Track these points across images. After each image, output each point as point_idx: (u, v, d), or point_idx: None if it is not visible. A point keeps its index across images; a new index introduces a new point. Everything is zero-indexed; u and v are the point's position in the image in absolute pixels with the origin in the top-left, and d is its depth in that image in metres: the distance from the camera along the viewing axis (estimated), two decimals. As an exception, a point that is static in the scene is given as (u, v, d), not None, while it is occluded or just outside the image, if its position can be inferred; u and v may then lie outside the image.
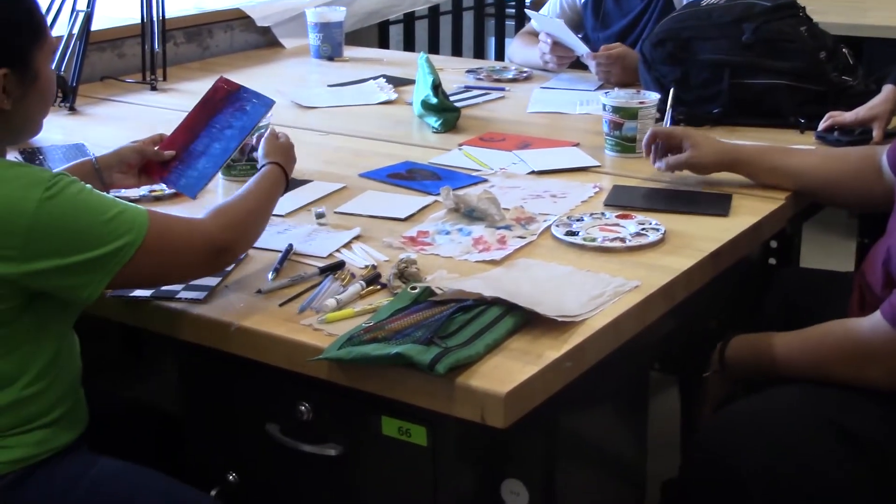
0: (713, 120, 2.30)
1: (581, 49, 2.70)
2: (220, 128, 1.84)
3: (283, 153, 1.74)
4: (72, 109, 2.62)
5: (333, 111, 2.61)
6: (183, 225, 1.49)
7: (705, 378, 1.80)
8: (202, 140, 1.84)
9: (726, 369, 1.77)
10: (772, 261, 2.39)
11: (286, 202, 1.86)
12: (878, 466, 1.56)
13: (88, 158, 1.80)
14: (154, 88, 2.83)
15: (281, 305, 1.52)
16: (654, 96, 2.18)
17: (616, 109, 2.15)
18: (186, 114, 1.89)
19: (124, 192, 1.90)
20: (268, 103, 1.85)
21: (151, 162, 1.85)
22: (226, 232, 1.51)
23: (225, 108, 1.85)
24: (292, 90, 2.77)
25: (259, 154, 1.75)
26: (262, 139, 1.79)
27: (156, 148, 1.84)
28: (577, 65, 2.86)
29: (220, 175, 2.04)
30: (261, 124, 1.97)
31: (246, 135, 1.83)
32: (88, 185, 1.43)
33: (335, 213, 1.87)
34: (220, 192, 2.00)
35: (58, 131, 2.42)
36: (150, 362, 2.11)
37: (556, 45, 2.79)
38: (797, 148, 2.03)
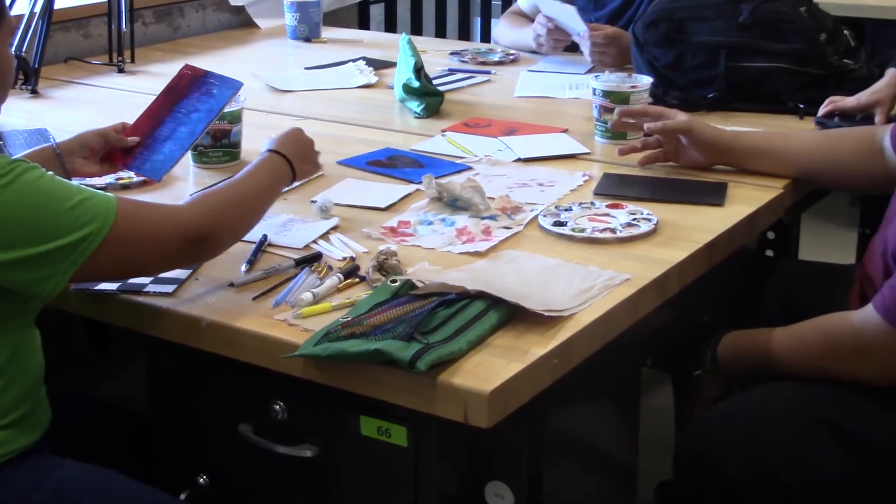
0: (708, 105, 2.30)
1: (581, 28, 2.67)
2: (186, 112, 1.85)
3: (294, 145, 1.69)
4: (34, 92, 2.60)
5: (310, 95, 2.60)
6: (156, 212, 1.47)
7: (698, 375, 1.81)
8: (167, 125, 1.85)
9: (718, 366, 1.78)
10: (769, 253, 2.40)
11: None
12: (871, 464, 1.57)
13: (49, 144, 1.79)
14: (121, 71, 2.81)
15: (254, 299, 1.51)
16: (647, 80, 2.18)
17: (606, 94, 2.15)
18: (150, 102, 1.90)
19: (88, 181, 1.90)
20: (235, 85, 1.87)
21: (114, 149, 1.85)
22: (205, 217, 1.47)
23: (191, 94, 1.87)
24: (267, 73, 2.76)
25: (265, 142, 1.71)
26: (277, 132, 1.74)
27: (119, 135, 1.84)
28: (567, 47, 2.86)
29: (191, 163, 2.05)
30: (229, 110, 1.98)
31: (213, 117, 1.83)
32: (50, 172, 1.42)
33: (311, 202, 1.86)
34: (191, 181, 2.00)
35: (19, 115, 2.41)
36: (118, 359, 2.10)
37: (555, 28, 2.77)
38: (796, 132, 2.04)
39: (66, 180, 1.44)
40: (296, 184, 1.75)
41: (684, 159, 1.97)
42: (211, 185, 1.57)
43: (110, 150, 1.86)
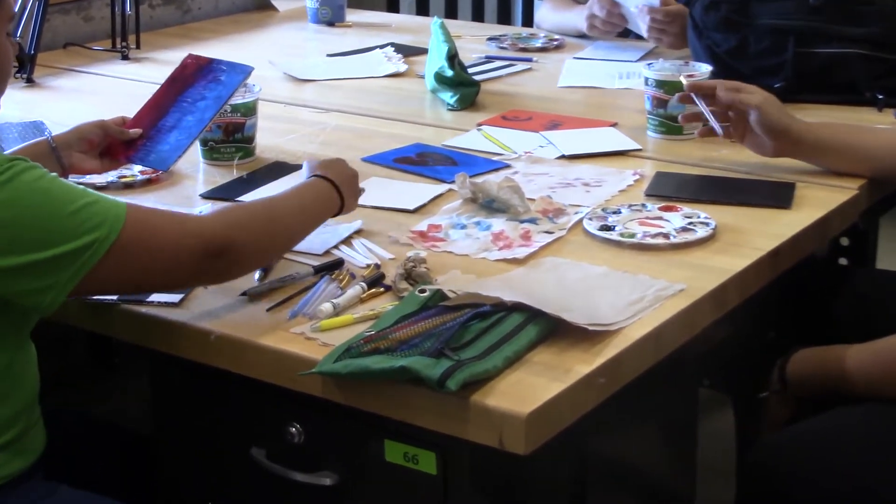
0: (774, 95, 2.29)
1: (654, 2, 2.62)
2: (192, 101, 1.87)
3: (340, 173, 1.66)
4: (29, 81, 2.63)
5: (333, 85, 2.61)
6: (172, 220, 1.45)
7: (764, 397, 1.80)
8: (172, 115, 1.87)
9: (788, 387, 1.77)
10: (842, 261, 2.38)
11: (276, 190, 1.87)
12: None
13: (44, 138, 1.81)
14: (126, 58, 2.84)
15: (269, 311, 1.52)
16: (706, 68, 2.18)
17: (660, 84, 2.15)
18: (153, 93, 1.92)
19: (88, 179, 1.92)
20: (245, 70, 1.88)
21: (115, 141, 1.87)
22: (229, 230, 1.44)
23: (196, 83, 1.89)
24: (286, 60, 2.78)
25: (304, 168, 1.68)
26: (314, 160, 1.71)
27: (120, 128, 1.86)
28: (619, 33, 2.86)
29: (201, 160, 2.06)
30: (243, 101, 1.99)
31: (222, 104, 1.85)
32: (53, 173, 1.41)
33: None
34: (200, 179, 2.01)
35: (13, 107, 2.43)
36: (120, 375, 2.12)
37: (615, 8, 2.75)
38: (873, 126, 2.02)
39: (69, 182, 1.43)
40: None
41: (749, 143, 1.96)
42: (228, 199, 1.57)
43: (110, 143, 1.87)
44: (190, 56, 1.94)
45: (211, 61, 1.91)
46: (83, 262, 1.36)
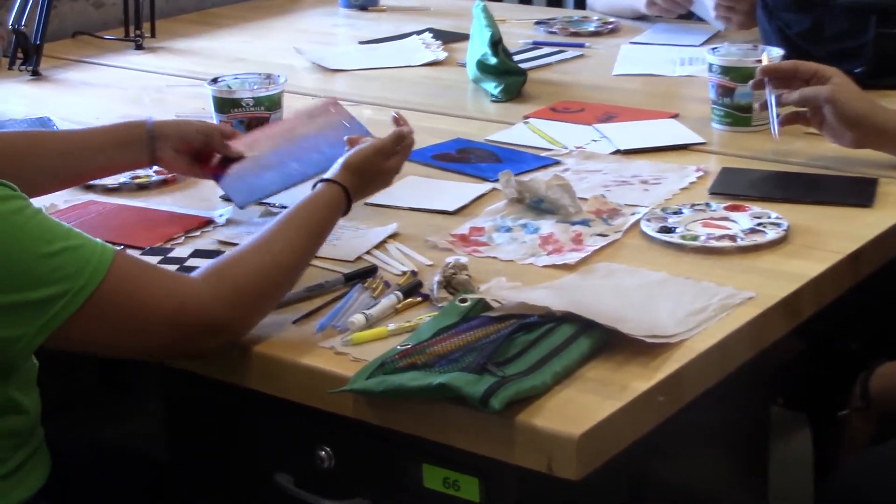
0: (854, 82, 2.27)
1: None
2: (308, 148, 1.87)
3: (363, 174, 1.64)
4: (35, 74, 2.65)
5: (365, 75, 2.63)
6: (163, 281, 1.40)
7: (844, 416, 1.79)
8: (281, 153, 1.87)
9: (871, 404, 1.76)
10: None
11: (302, 193, 1.88)
12: None
13: (143, 120, 1.80)
14: (140, 47, 2.86)
15: (295, 323, 1.53)
16: (777, 52, 2.17)
17: (726, 70, 2.14)
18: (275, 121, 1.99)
19: (99, 181, 1.93)
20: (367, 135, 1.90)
21: (210, 152, 1.86)
22: (226, 308, 1.40)
23: (323, 132, 1.89)
24: (314, 49, 2.79)
25: (335, 166, 1.64)
26: (357, 144, 1.69)
27: (225, 141, 1.86)
28: (681, 15, 2.85)
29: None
30: (266, 94, 2.00)
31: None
32: (37, 206, 1.37)
33: (365, 204, 1.87)
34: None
35: (18, 101, 2.46)
36: (132, 396, 2.13)
37: None
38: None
39: (55, 220, 1.38)
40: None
41: (828, 132, 1.95)
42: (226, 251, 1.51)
43: (206, 151, 1.86)
44: (334, 102, 1.96)
45: (349, 118, 1.92)
46: (55, 314, 1.33)
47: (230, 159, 1.86)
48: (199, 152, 1.85)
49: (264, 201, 1.85)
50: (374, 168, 1.68)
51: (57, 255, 1.33)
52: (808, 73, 1.94)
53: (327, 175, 1.62)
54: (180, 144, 1.82)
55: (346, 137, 1.78)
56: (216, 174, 1.87)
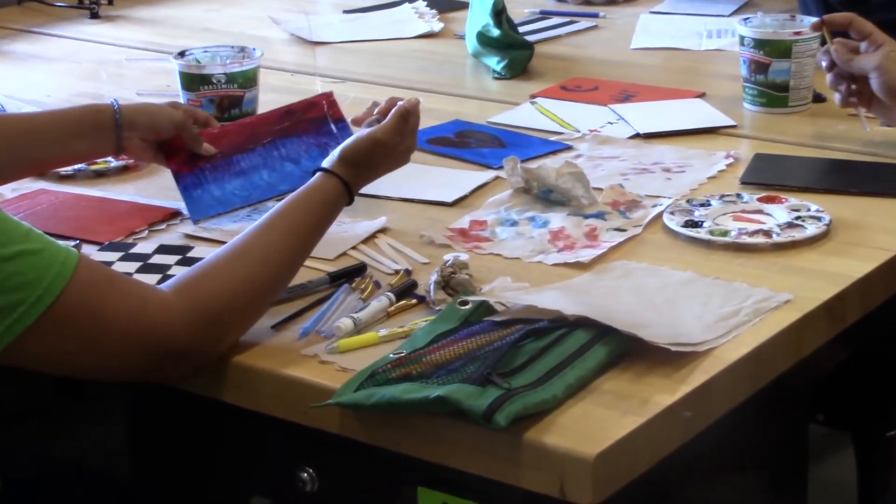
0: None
1: None
2: (285, 155, 1.86)
3: (365, 166, 1.63)
4: (-22, 47, 2.65)
5: (351, 49, 2.63)
6: (132, 296, 1.39)
7: (893, 436, 1.79)
8: (254, 157, 1.87)
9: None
10: None
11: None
12: None
13: (109, 105, 1.80)
14: (95, 16, 2.86)
15: (274, 328, 1.53)
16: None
17: (760, 44, 2.14)
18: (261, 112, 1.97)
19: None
20: None
21: (179, 142, 1.86)
22: (198, 332, 1.40)
23: (306, 135, 1.88)
24: (292, 18, 2.79)
25: (331, 154, 1.63)
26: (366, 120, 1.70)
27: (197, 131, 1.85)
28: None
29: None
30: (240, 69, 2.01)
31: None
32: None
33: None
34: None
35: (-42, 78, 2.46)
36: (92, 407, 2.13)
37: None
38: None
39: (13, 219, 1.36)
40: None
41: (877, 112, 1.95)
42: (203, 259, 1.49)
43: (175, 140, 1.86)
44: (330, 95, 1.94)
45: (340, 120, 1.91)
46: (6, 326, 1.32)
47: (197, 155, 1.87)
48: (168, 142, 1.86)
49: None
50: (378, 158, 1.67)
51: (12, 260, 1.32)
52: (862, 33, 1.94)
53: (325, 164, 1.61)
54: (149, 134, 1.83)
55: (349, 119, 1.78)
56: (178, 171, 1.86)
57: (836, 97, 1.99)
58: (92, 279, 1.37)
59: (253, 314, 1.48)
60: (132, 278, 1.51)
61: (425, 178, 1.94)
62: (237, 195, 1.83)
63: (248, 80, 2.09)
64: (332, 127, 1.91)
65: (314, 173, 1.61)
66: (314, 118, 1.91)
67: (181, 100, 2.08)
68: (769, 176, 1.90)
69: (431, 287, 1.56)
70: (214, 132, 1.90)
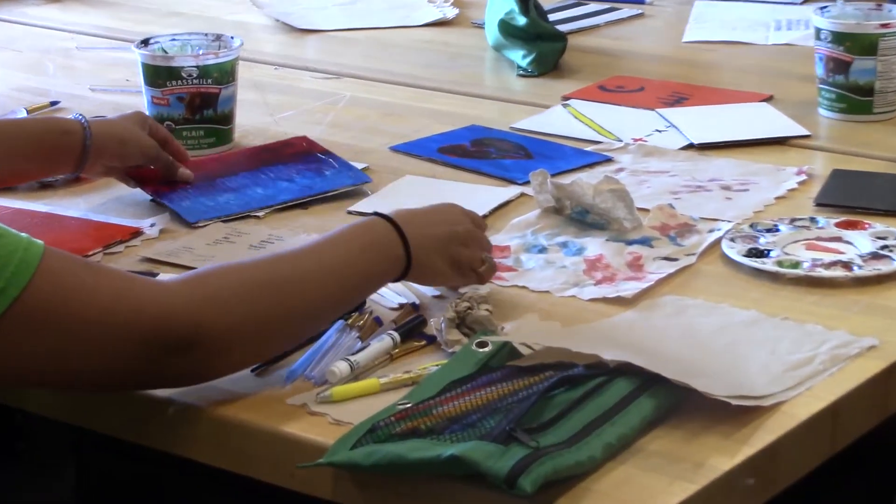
0: None
1: None
2: (274, 177, 1.97)
3: (423, 220, 1.62)
4: None
5: (347, 39, 2.64)
6: (111, 280, 1.41)
7: None
8: (239, 179, 1.98)
9: None
10: None
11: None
12: None
13: (78, 125, 1.86)
14: (48, -2, 2.88)
15: (255, 372, 1.53)
16: (908, 12, 2.18)
17: (840, 37, 2.15)
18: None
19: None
20: (360, 179, 1.97)
21: (150, 171, 1.95)
22: (200, 310, 1.41)
23: (291, 163, 2.00)
24: (278, 3, 2.80)
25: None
26: None
27: (169, 157, 1.93)
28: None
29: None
30: (216, 61, 2.04)
31: (308, 195, 1.93)
32: None
33: (347, 212, 1.89)
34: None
35: None
36: (30, 466, 2.14)
37: None
38: None
39: None
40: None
41: None
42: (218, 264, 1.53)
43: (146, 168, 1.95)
44: (304, 139, 2.07)
45: (325, 152, 2.02)
46: None
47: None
48: (140, 171, 1.94)
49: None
50: (445, 209, 1.68)
51: None
52: None
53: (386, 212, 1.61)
54: (115, 162, 1.90)
55: None
56: (158, 192, 1.94)
57: None
58: (63, 266, 1.38)
59: (270, 329, 1.47)
60: (109, 266, 1.53)
61: (436, 195, 1.92)
62: (231, 205, 1.91)
63: (225, 74, 2.10)
64: (319, 155, 2.01)
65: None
66: (296, 153, 2.02)
67: (144, 97, 2.10)
68: (850, 196, 1.91)
69: (443, 325, 1.57)
70: (192, 161, 1.99)
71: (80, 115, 1.87)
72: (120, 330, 1.38)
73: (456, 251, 1.62)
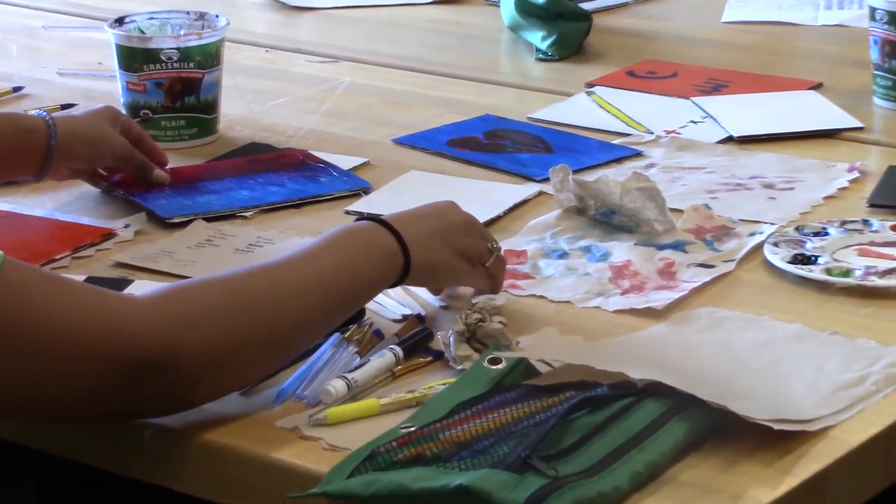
0: None
1: None
2: (263, 182, 1.98)
3: (420, 217, 1.62)
4: None
5: (345, 17, 2.64)
6: (78, 294, 1.42)
7: None
8: (224, 183, 1.99)
9: None
10: None
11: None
12: None
13: (43, 123, 1.87)
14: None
15: (243, 393, 1.53)
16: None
17: (896, 18, 2.16)
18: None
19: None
20: (359, 184, 1.98)
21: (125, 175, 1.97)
22: (174, 330, 1.40)
23: (283, 171, 2.01)
24: (267, -25, 2.81)
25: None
26: None
27: (143, 157, 1.94)
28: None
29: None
30: (198, 43, 2.05)
31: (297, 198, 1.95)
32: None
33: (346, 212, 1.89)
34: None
35: None
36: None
37: None
38: None
39: None
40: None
41: None
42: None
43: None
44: (300, 152, 2.08)
45: (322, 162, 2.04)
46: None
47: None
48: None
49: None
50: (443, 208, 1.68)
51: None
52: None
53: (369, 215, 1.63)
54: (83, 165, 1.92)
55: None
56: (132, 191, 1.95)
57: None
58: (25, 278, 1.38)
59: (252, 350, 1.47)
60: (75, 279, 1.52)
61: (445, 193, 1.93)
62: (212, 203, 1.92)
63: (209, 57, 2.10)
64: (314, 165, 2.02)
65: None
66: (291, 164, 2.04)
67: (118, 83, 2.10)
68: (907, 197, 1.92)
69: (452, 339, 1.57)
70: (172, 169, 2.00)
71: (44, 111, 1.88)
72: (86, 351, 1.38)
73: (458, 239, 1.63)
